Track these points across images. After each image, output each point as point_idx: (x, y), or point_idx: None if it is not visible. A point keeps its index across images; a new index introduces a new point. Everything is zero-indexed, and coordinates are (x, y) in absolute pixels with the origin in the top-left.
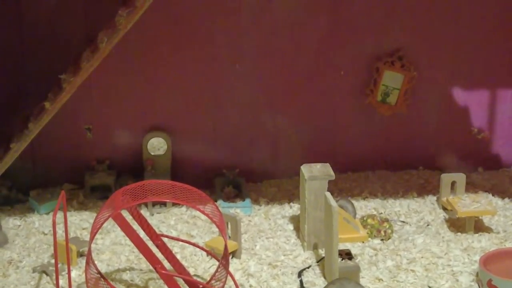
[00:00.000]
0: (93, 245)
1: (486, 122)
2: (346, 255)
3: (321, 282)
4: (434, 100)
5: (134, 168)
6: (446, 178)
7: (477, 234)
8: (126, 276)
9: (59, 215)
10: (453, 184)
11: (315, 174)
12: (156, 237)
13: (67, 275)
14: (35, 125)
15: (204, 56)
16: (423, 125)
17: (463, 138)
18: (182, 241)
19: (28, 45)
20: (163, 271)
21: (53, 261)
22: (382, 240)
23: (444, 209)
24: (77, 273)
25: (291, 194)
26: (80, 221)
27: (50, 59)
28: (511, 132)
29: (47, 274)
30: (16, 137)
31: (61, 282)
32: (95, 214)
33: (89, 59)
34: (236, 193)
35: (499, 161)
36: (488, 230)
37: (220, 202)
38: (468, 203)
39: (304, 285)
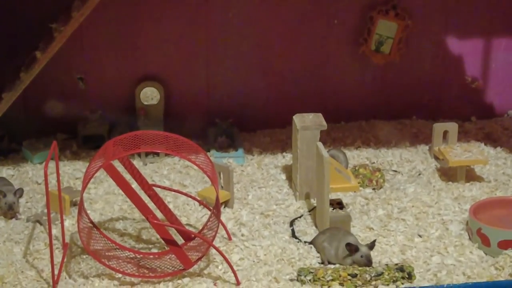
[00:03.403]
0: (85, 195)
1: (480, 71)
2: (338, 204)
3: (312, 231)
4: (428, 49)
5: (127, 117)
6: (439, 127)
7: (468, 183)
8: (119, 225)
9: (52, 164)
10: (445, 133)
11: (308, 124)
12: (148, 187)
13: (60, 224)
14: (27, 74)
15: (197, 4)
16: (416, 74)
17: (456, 87)
18: (174, 191)
19: None
20: (155, 221)
21: (46, 210)
22: (373, 189)
23: (436, 158)
24: (71, 223)
25: (284, 144)
26: (73, 171)
27: (41, 7)
28: (505, 81)
29: (40, 224)
30: (8, 87)
31: (54, 231)
32: (88, 164)
33: (79, 8)
34: (229, 143)
35: (492, 110)
36: (479, 179)
37: (213, 152)
38: (460, 153)
39: (296, 234)
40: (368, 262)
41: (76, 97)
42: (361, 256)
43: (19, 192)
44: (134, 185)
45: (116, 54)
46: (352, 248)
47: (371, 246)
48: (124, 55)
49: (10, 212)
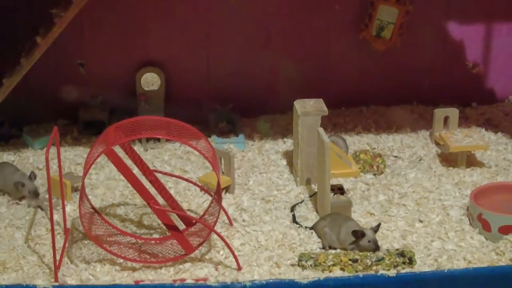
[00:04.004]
0: (87, 180)
1: (481, 57)
2: (338, 190)
3: (313, 216)
4: (429, 34)
5: (127, 103)
6: (439, 113)
7: (469, 169)
8: (120, 211)
9: (53, 150)
10: (446, 119)
11: (308, 109)
12: (149, 173)
13: (61, 209)
14: (27, 60)
15: None
16: (417, 59)
17: (457, 73)
18: (175, 176)
19: None
20: (156, 207)
21: (48, 196)
22: (374, 175)
23: (437, 144)
24: (72, 208)
25: (284, 129)
26: (74, 157)
27: None
28: (506, 67)
29: (42, 209)
30: (8, 72)
31: (56, 216)
32: (89, 150)
33: None
34: (230, 129)
35: (493, 95)
36: (480, 164)
37: (214, 138)
38: (461, 138)
39: (297, 219)
40: (376, 247)
41: (77, 82)
42: (369, 241)
43: (33, 176)
44: (135, 170)
45: (117, 40)
46: (359, 234)
47: (376, 229)
48: (124, 41)
49: (35, 198)
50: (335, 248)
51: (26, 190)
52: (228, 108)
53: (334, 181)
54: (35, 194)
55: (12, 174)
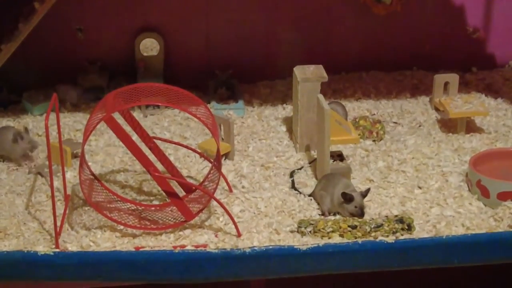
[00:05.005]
0: (86, 147)
1: (481, 21)
2: (338, 156)
3: (312, 182)
4: None
5: (126, 69)
6: (439, 78)
7: (468, 135)
8: (120, 177)
9: (52, 116)
10: (446, 84)
11: (308, 76)
12: (149, 140)
13: (62, 176)
14: (25, 25)
15: None
16: (417, 24)
17: (457, 38)
18: (175, 143)
19: None
20: (156, 173)
21: (48, 162)
22: (374, 141)
23: (437, 109)
24: (72, 174)
25: (284, 95)
26: (73, 123)
27: None
28: (506, 32)
29: (42, 176)
30: (7, 38)
31: (56, 183)
32: (88, 116)
33: None
34: (229, 95)
35: (493, 60)
36: (479, 130)
37: (213, 104)
38: (461, 104)
39: (296, 185)
40: (361, 213)
41: (75, 48)
42: (355, 207)
43: (27, 130)
44: (135, 137)
45: (116, 4)
46: (347, 198)
47: (365, 194)
48: (123, 6)
49: (33, 149)
50: (334, 214)
51: (26, 141)
52: (227, 74)
53: (334, 148)
54: (34, 145)
55: (6, 133)
